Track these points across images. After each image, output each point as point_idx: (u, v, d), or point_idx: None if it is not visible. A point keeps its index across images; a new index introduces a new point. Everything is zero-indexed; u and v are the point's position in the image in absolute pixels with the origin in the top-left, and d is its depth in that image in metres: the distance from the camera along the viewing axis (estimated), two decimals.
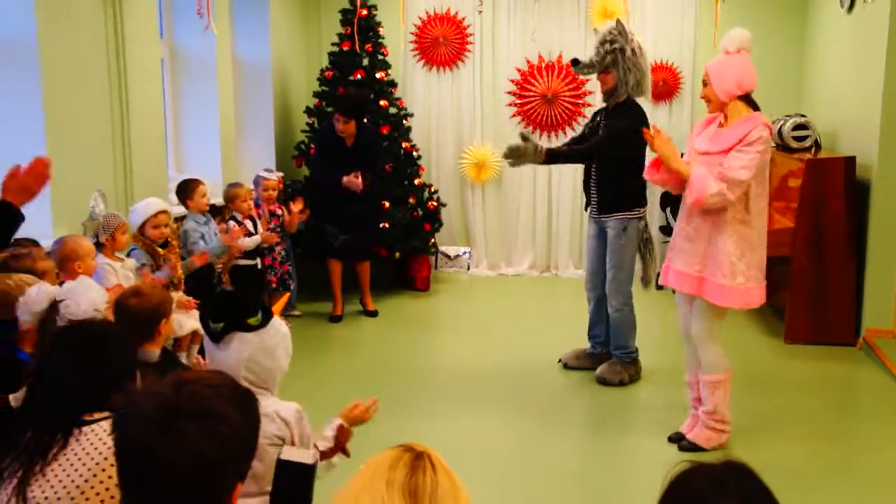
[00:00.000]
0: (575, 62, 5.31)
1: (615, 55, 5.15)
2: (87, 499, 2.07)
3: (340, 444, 2.68)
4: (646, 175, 4.54)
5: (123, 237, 4.24)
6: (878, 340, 5.99)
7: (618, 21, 5.29)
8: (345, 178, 6.34)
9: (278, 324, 2.59)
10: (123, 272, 4.14)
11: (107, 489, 2.09)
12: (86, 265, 3.66)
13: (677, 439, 4.48)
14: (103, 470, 2.10)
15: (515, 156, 5.18)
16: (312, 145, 7.15)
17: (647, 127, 4.53)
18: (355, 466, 1.57)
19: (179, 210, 5.44)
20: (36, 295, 2.76)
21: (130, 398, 1.64)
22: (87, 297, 2.74)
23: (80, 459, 2.11)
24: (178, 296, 4.60)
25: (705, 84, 4.20)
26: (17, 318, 2.87)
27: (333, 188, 6.44)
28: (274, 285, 6.25)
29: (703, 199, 4.02)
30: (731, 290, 4.12)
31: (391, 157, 7.20)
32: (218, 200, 6.02)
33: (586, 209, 5.61)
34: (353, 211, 6.50)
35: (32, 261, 3.24)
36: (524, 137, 5.23)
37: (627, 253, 5.37)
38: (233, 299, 2.67)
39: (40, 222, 3.89)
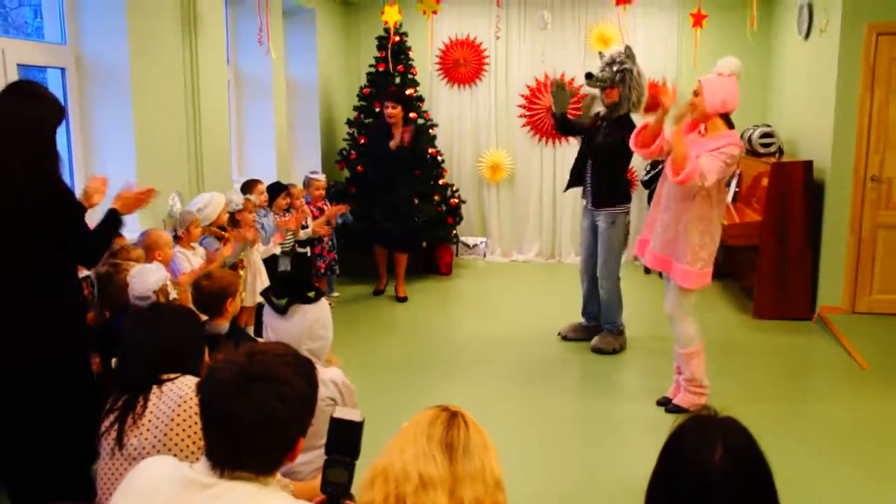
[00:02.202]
0: (589, 75, 5.23)
1: (624, 74, 5.15)
2: (175, 433, 2.14)
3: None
4: (632, 144, 4.46)
5: (196, 230, 4.28)
6: (830, 315, 6.01)
7: (627, 46, 5.29)
8: (392, 143, 6.37)
9: (325, 302, 2.63)
10: (196, 259, 4.19)
11: (189, 426, 2.14)
12: (164, 254, 3.71)
13: (664, 402, 4.49)
14: (184, 410, 2.15)
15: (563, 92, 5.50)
16: (353, 152, 7.21)
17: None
18: (399, 425, 1.60)
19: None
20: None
21: (212, 365, 1.68)
22: (151, 279, 2.79)
23: (161, 411, 2.18)
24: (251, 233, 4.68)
25: (696, 94, 4.14)
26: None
27: (379, 175, 6.50)
28: (322, 270, 6.28)
29: (689, 180, 3.98)
30: (692, 273, 4.17)
31: (428, 149, 7.23)
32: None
33: (583, 197, 5.57)
34: (394, 197, 6.53)
35: (127, 253, 3.31)
36: (561, 87, 5.53)
37: (616, 242, 5.37)
38: (294, 278, 2.72)
39: (129, 218, 3.93)
